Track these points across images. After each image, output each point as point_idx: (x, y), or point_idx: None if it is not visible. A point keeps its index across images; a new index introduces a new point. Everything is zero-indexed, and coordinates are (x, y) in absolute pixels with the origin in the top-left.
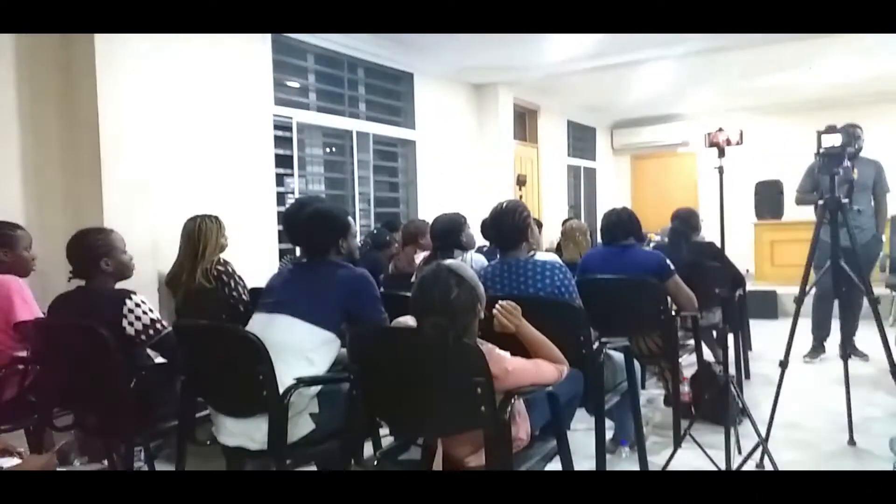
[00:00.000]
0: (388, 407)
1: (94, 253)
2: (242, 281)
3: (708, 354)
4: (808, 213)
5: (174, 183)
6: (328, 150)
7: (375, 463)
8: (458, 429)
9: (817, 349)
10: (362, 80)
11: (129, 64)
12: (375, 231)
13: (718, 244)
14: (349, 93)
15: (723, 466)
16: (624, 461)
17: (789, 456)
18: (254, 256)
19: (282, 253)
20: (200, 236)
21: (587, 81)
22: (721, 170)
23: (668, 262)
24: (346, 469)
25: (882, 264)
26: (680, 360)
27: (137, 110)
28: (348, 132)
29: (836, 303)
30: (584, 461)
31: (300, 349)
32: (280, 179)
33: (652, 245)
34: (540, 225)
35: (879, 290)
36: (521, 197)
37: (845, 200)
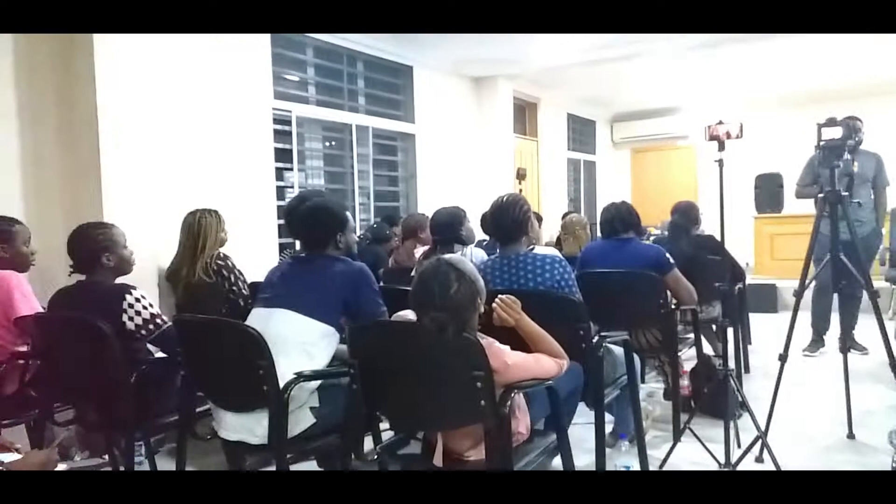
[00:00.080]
0: (388, 401)
1: (96, 248)
2: (242, 275)
3: (707, 348)
4: (808, 207)
5: (173, 177)
6: (328, 144)
7: (376, 457)
8: (458, 423)
9: (817, 343)
10: (361, 73)
11: (127, 57)
12: (375, 225)
13: (718, 237)
14: (348, 86)
15: (722, 460)
16: (623, 455)
17: (788, 449)
18: (254, 251)
19: (282, 247)
20: (200, 231)
21: (587, 74)
22: (721, 163)
23: (667, 255)
24: (346, 463)
25: (882, 258)
26: (679, 353)
27: (136, 104)
28: (348, 126)
29: (835, 296)
30: (583, 455)
31: (300, 343)
32: (279, 173)
33: (652, 238)
34: (540, 219)
35: (879, 283)
36: (520, 191)
37: (845, 194)
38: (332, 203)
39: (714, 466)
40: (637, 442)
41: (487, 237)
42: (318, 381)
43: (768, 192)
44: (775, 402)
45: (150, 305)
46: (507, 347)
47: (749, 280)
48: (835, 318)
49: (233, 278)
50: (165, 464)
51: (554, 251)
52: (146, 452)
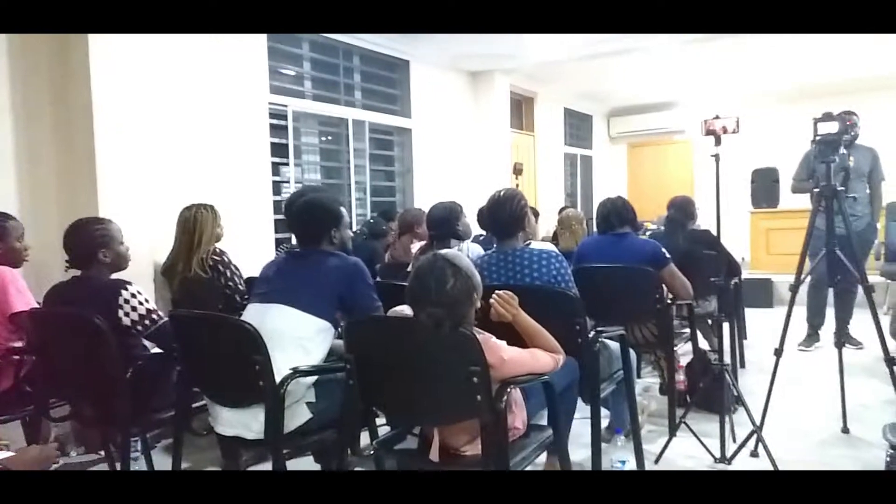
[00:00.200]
0: (384, 396)
1: (92, 243)
2: (238, 270)
3: (703, 343)
4: (804, 201)
5: (170, 172)
6: (324, 138)
7: (372, 452)
8: (454, 418)
9: (812, 337)
10: (358, 67)
11: (123, 52)
12: (372, 220)
13: (714, 232)
14: (345, 81)
15: (717, 454)
16: (619, 449)
17: (783, 444)
18: (250, 246)
19: (278, 242)
20: (196, 226)
21: (584, 69)
22: (717, 158)
23: (663, 250)
24: (342, 458)
25: (877, 252)
26: (675, 348)
27: (132, 99)
28: (344, 120)
29: (830, 291)
30: (579, 450)
31: (296, 338)
32: (276, 168)
33: (648, 233)
34: (536, 214)
35: (874, 278)
36: (517, 185)
37: (841, 188)
38: (326, 198)
39: (709, 461)
40: (633, 436)
41: (484, 232)
42: (315, 377)
43: (764, 187)
44: (770, 397)
45: (146, 301)
46: (504, 342)
47: (745, 275)
48: (830, 313)
49: (229, 273)
50: (162, 459)
51: (550, 246)
52: (142, 448)
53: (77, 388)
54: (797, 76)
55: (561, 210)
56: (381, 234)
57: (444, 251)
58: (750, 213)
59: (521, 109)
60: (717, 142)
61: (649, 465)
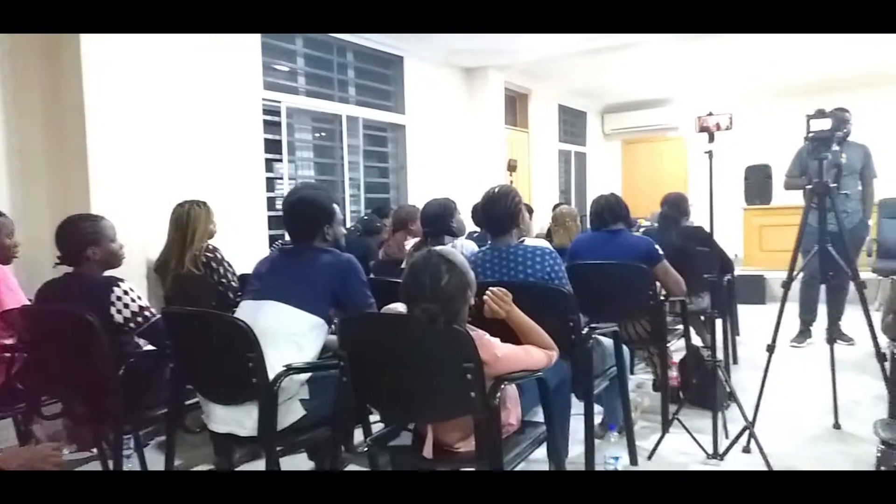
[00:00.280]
0: (378, 393)
1: (81, 240)
2: (231, 267)
3: (696, 339)
4: (797, 198)
5: (162, 169)
6: (317, 134)
7: (366, 449)
8: (448, 414)
9: (804, 333)
10: (351, 63)
11: (115, 49)
12: (365, 217)
13: (707, 229)
14: (338, 77)
15: (710, 450)
16: (612, 446)
17: (776, 440)
18: (243, 242)
19: (271, 239)
20: (189, 222)
21: (578, 65)
22: (711, 154)
23: (656, 247)
24: (336, 455)
25: (868, 249)
26: (668, 344)
27: (124, 95)
28: (338, 117)
29: (822, 287)
30: (573, 446)
31: (289, 335)
32: (269, 165)
33: (642, 230)
34: (531, 210)
35: (865, 274)
36: (511, 182)
37: (833, 185)
38: (319, 195)
39: (702, 457)
40: (626, 433)
41: (478, 229)
42: (308, 374)
43: (757, 184)
44: (763, 393)
45: (139, 298)
46: (497, 340)
47: (738, 271)
48: (822, 309)
49: (222, 270)
50: (155, 457)
51: (544, 243)
52: (135, 446)
53: (69, 385)
54: (790, 73)
55: (555, 207)
56: (374, 231)
57: (438, 248)
58: (743, 210)
59: (516, 106)
60: (711, 139)
61: (642, 462)
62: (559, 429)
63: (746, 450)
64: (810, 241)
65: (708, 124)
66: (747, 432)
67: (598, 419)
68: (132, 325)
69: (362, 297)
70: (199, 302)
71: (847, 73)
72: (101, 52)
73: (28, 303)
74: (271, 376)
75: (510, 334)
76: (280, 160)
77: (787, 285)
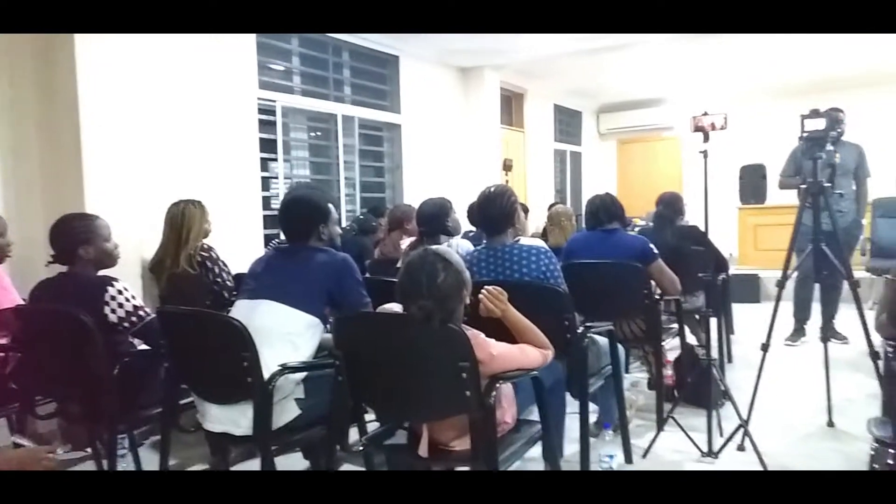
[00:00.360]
0: (373, 392)
1: (74, 239)
2: (227, 266)
3: (691, 338)
4: (792, 198)
5: (157, 168)
6: (313, 134)
7: (361, 448)
8: (443, 413)
9: (798, 332)
10: (347, 63)
11: (109, 46)
12: (361, 216)
13: (702, 228)
14: (334, 76)
15: (705, 449)
16: (607, 444)
17: (770, 438)
18: (238, 242)
19: (267, 238)
20: (184, 221)
21: (574, 65)
22: (705, 154)
23: (651, 246)
24: (331, 454)
25: (862, 248)
26: (663, 343)
27: (119, 94)
28: (333, 116)
29: (816, 286)
30: (568, 444)
31: (284, 334)
32: (264, 164)
33: (637, 229)
34: (526, 210)
35: (859, 273)
36: (507, 182)
37: (827, 184)
38: (314, 195)
39: (697, 455)
40: (621, 431)
41: (474, 228)
42: (304, 373)
43: (752, 184)
44: (757, 391)
45: (133, 297)
46: (493, 339)
47: (733, 270)
48: (816, 308)
49: (217, 269)
50: (149, 456)
51: (539, 242)
52: (129, 445)
53: (63, 385)
54: (785, 73)
55: (550, 206)
56: (370, 231)
57: (434, 247)
58: (738, 210)
59: (511, 105)
60: (706, 138)
61: (637, 460)
62: (554, 428)
63: (741, 448)
64: (804, 241)
65: (703, 124)
66: (742, 430)
67: (593, 418)
68: (126, 324)
69: (358, 296)
70: (194, 301)
71: (841, 73)
72: (95, 50)
73: (22, 302)
74: (266, 375)
75: (506, 333)
76: (275, 159)
77: (781, 284)
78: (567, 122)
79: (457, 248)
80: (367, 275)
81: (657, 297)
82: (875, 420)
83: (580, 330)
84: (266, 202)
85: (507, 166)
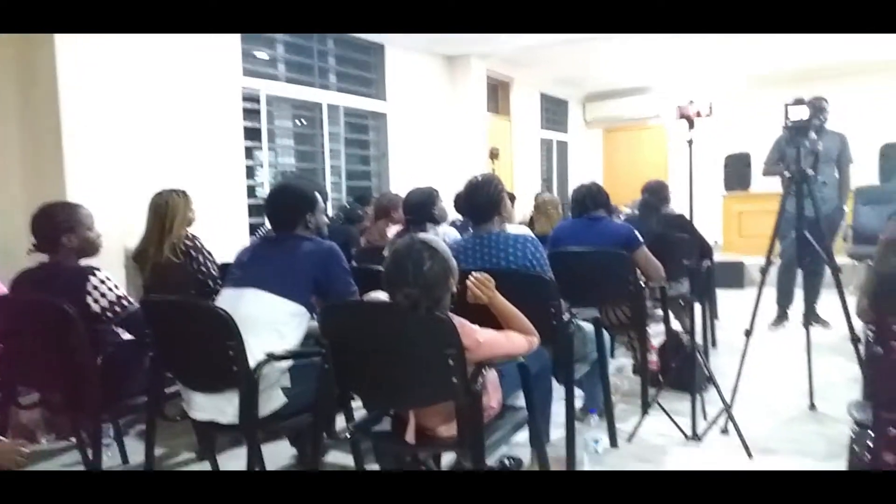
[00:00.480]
0: (360, 380)
1: (56, 228)
2: (211, 255)
3: (676, 324)
4: (776, 185)
5: (140, 157)
6: (298, 122)
7: (348, 435)
8: (430, 400)
9: (781, 318)
10: (332, 51)
11: (90, 34)
12: (347, 205)
13: (687, 216)
14: (319, 64)
15: (689, 432)
16: (593, 429)
17: (753, 421)
18: (223, 231)
19: (252, 227)
20: (167, 211)
21: (560, 53)
22: (691, 142)
23: (636, 233)
24: (318, 441)
25: (844, 234)
26: (648, 329)
27: (100, 82)
28: (318, 104)
29: (799, 272)
30: (554, 430)
31: (270, 322)
32: (249, 152)
33: (623, 217)
34: (513, 198)
35: (841, 259)
36: (493, 170)
37: (811, 172)
38: (301, 184)
39: (681, 438)
40: (606, 416)
41: (460, 217)
42: (290, 361)
43: (736, 171)
44: (740, 376)
45: (116, 287)
46: (478, 326)
47: (717, 257)
48: (799, 294)
49: (201, 258)
50: (135, 445)
51: (526, 230)
52: (114, 434)
53: (46, 375)
54: (769, 62)
55: (537, 195)
56: (356, 219)
57: (421, 235)
58: (723, 197)
59: (498, 94)
60: (691, 126)
61: (622, 444)
62: (541, 413)
63: (724, 431)
64: (788, 227)
65: (688, 112)
66: (725, 414)
67: (578, 403)
68: (109, 314)
69: (344, 284)
70: (179, 290)
71: (824, 62)
72: (76, 39)
73: (4, 292)
74: (252, 364)
75: (492, 321)
76: (260, 148)
77: (764, 270)
78: (553, 111)
79: (443, 236)
80: (354, 263)
81: (642, 283)
82: (855, 403)
83: (566, 317)
84: (251, 191)
85: (494, 155)
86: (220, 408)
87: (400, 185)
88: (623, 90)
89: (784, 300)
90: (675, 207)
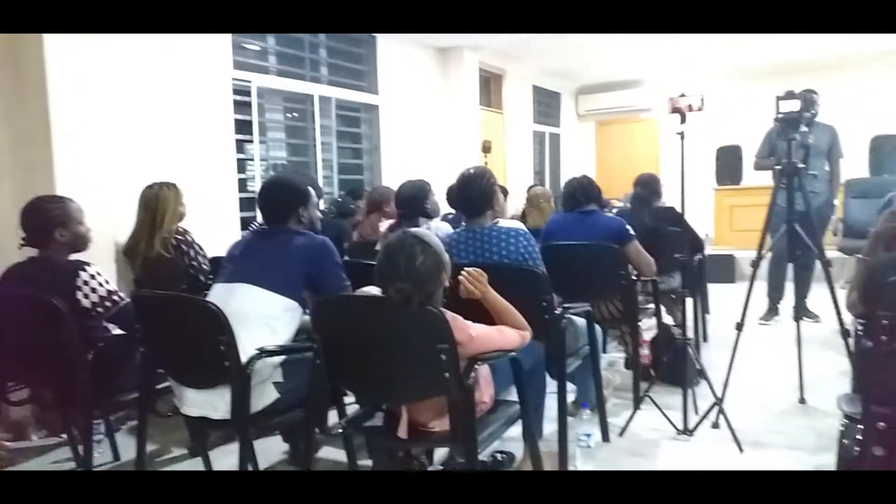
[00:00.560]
0: (352, 375)
1: (49, 222)
2: (202, 250)
3: (667, 318)
4: (767, 178)
5: (131, 150)
6: (289, 115)
7: (340, 430)
8: (422, 395)
9: (772, 311)
10: (323, 42)
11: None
12: (339, 198)
13: (679, 209)
14: (310, 56)
15: (680, 426)
16: (585, 423)
17: (744, 415)
18: (214, 225)
19: (243, 221)
20: (158, 204)
21: (553, 46)
22: (682, 135)
23: (627, 227)
24: (310, 437)
25: (834, 228)
26: (640, 323)
27: (90, 75)
28: (310, 97)
29: (790, 266)
30: (546, 424)
31: (262, 317)
32: (240, 146)
33: (615, 210)
34: (505, 192)
35: (831, 253)
36: (486, 163)
37: (801, 165)
38: (293, 178)
39: (672, 432)
40: (598, 410)
41: (453, 211)
42: (282, 356)
43: (728, 165)
44: (731, 370)
45: (106, 282)
46: (471, 321)
47: (709, 251)
48: (789, 287)
49: (192, 253)
50: (126, 442)
51: (518, 224)
52: (106, 431)
53: (36, 371)
54: (760, 55)
55: (529, 188)
56: (348, 213)
57: (413, 229)
58: (714, 191)
59: (490, 87)
60: (683, 119)
61: (614, 438)
62: (534, 409)
63: (715, 425)
64: (779, 221)
65: (680, 105)
66: (716, 408)
67: (570, 397)
68: (100, 309)
69: (337, 279)
70: (170, 285)
71: (815, 55)
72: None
73: None
74: (244, 359)
75: (484, 316)
76: (251, 141)
77: (755, 264)
78: (546, 104)
79: (436, 230)
80: (346, 258)
81: (634, 277)
82: (845, 396)
83: (558, 311)
84: (242, 184)
85: (486, 148)
86: (211, 403)
87: (392, 178)
88: (615, 83)
89: (774, 294)
90: (666, 201)
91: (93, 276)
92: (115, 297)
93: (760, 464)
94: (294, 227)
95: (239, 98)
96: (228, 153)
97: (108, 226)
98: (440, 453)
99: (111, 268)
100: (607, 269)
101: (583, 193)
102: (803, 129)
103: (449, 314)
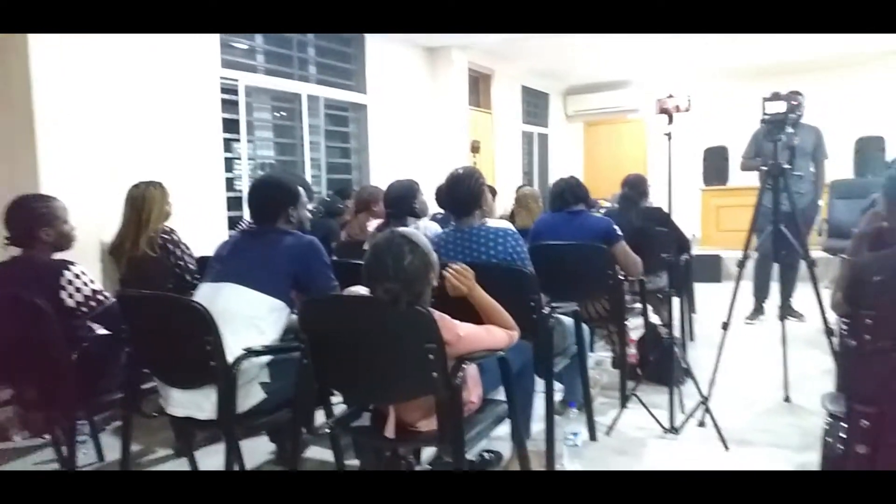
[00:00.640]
0: (340, 375)
1: (34, 221)
2: (189, 249)
3: (654, 317)
4: (754, 179)
5: (117, 149)
6: (277, 114)
7: (327, 430)
8: (410, 395)
9: (758, 311)
10: (312, 41)
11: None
12: (328, 198)
13: (666, 210)
14: (298, 55)
15: (667, 425)
16: (572, 422)
17: (729, 414)
18: (201, 224)
19: (231, 220)
20: (144, 203)
21: (541, 46)
22: (670, 136)
23: (615, 227)
24: (297, 437)
25: (819, 228)
26: (627, 322)
27: (75, 73)
28: (298, 96)
29: (776, 266)
30: (533, 423)
31: (249, 317)
32: (227, 145)
33: (602, 211)
34: (494, 192)
35: (816, 253)
36: (474, 163)
37: (787, 166)
38: (284, 177)
39: (659, 431)
40: (585, 409)
41: (441, 210)
42: (269, 356)
43: (715, 166)
44: (717, 369)
45: (91, 282)
46: (458, 321)
47: (695, 251)
48: (775, 287)
49: (178, 252)
50: (110, 442)
51: (507, 224)
52: (90, 431)
53: (20, 371)
54: (747, 56)
55: (518, 188)
56: (337, 212)
57: (401, 229)
58: (701, 191)
59: (479, 87)
60: (670, 120)
61: (601, 437)
62: (521, 409)
63: (701, 424)
64: (764, 221)
65: (667, 106)
66: (702, 407)
67: (558, 396)
68: (84, 309)
69: (325, 279)
70: (156, 284)
71: (800, 56)
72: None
73: None
74: (230, 360)
75: (472, 316)
76: (238, 140)
77: (742, 264)
78: (534, 104)
79: (424, 230)
80: (334, 257)
81: (621, 277)
82: (829, 395)
83: (546, 310)
84: (229, 183)
85: (475, 148)
86: (197, 403)
87: (381, 178)
88: (603, 84)
89: (760, 294)
90: (654, 201)
91: (77, 276)
92: (100, 297)
93: (746, 462)
94: (283, 227)
95: (226, 97)
96: (216, 152)
97: (93, 225)
98: (428, 453)
99: (96, 267)
100: (595, 269)
101: (571, 193)
102: (789, 130)
103: (437, 314)
